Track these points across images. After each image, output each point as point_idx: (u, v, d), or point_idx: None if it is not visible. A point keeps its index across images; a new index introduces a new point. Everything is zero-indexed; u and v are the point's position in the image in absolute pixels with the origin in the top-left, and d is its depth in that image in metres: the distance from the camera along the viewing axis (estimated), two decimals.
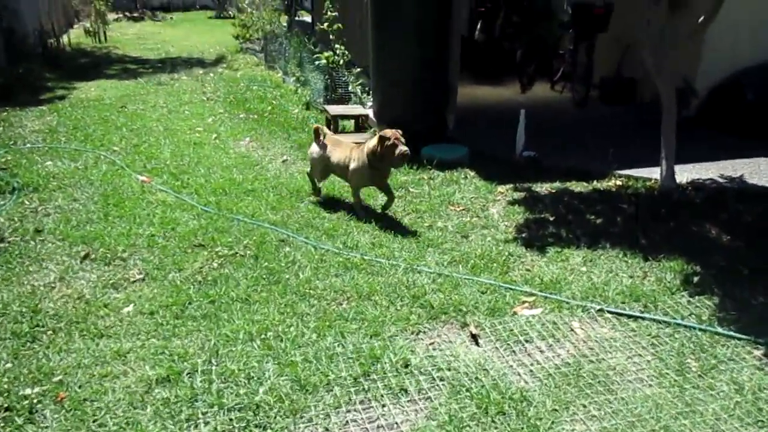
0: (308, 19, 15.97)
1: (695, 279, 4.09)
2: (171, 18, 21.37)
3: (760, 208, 5.29)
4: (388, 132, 4.87)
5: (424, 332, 3.53)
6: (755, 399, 3.00)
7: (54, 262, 4.38)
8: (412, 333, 3.52)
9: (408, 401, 2.99)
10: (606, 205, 5.40)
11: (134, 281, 4.12)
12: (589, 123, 8.10)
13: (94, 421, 2.84)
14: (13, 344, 3.40)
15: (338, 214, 5.18)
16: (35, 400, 2.96)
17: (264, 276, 4.12)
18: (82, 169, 6.27)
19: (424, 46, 6.69)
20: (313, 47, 10.37)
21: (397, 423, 2.85)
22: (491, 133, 7.42)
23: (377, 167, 4.97)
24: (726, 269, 4.25)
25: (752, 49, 7.48)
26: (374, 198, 5.52)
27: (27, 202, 5.43)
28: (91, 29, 15.75)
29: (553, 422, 2.84)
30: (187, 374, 3.13)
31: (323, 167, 5.39)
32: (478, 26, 10.68)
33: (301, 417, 2.88)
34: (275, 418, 2.86)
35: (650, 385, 3.10)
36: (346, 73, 8.67)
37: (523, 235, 4.81)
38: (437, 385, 3.09)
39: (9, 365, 3.20)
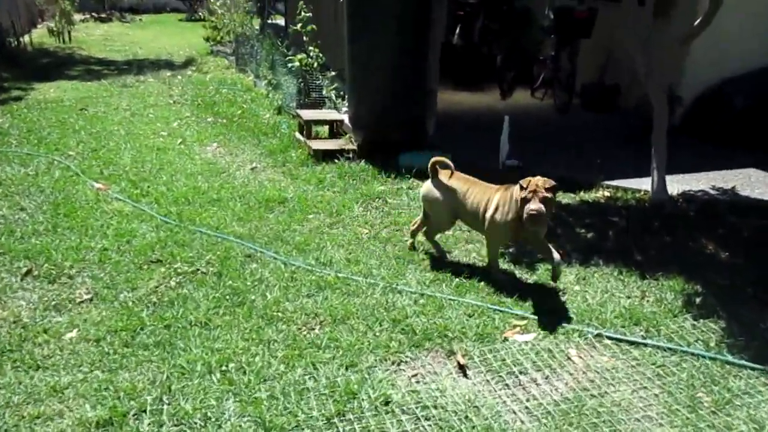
0: (281, 22, 15.58)
1: (697, 300, 3.78)
2: (140, 20, 20.77)
3: (755, 221, 5.03)
4: (528, 180, 3.72)
5: (406, 362, 3.16)
6: None
7: None
8: (393, 363, 3.14)
9: None
10: (596, 218, 5.09)
11: (81, 302, 3.67)
12: (573, 131, 7.84)
13: None
14: None
15: (311, 225, 4.79)
16: None
17: (227, 296, 3.70)
18: (33, 175, 5.78)
19: (402, 50, 6.33)
20: (286, 50, 9.97)
21: None
22: (472, 141, 7.10)
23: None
24: (728, 288, 3.95)
25: (738, 58, 7.29)
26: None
27: None
28: (55, 29, 15.12)
29: None
30: (133, 415, 2.70)
31: (451, 214, 4.22)
32: (457, 31, 10.38)
33: None
34: None
35: (661, 424, 2.76)
36: (320, 77, 8.28)
37: (510, 250, 4.47)
38: (422, 426, 2.71)
39: None
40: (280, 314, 3.53)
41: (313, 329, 3.41)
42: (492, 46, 10.43)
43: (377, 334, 3.36)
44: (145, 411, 2.73)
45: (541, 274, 4.12)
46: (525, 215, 3.63)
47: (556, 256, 3.86)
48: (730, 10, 5.51)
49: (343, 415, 2.75)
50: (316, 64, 8.20)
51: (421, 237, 4.50)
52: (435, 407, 2.82)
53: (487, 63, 10.09)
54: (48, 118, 7.85)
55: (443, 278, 4.01)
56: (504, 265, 4.21)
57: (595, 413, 2.81)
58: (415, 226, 4.43)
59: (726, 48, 7.14)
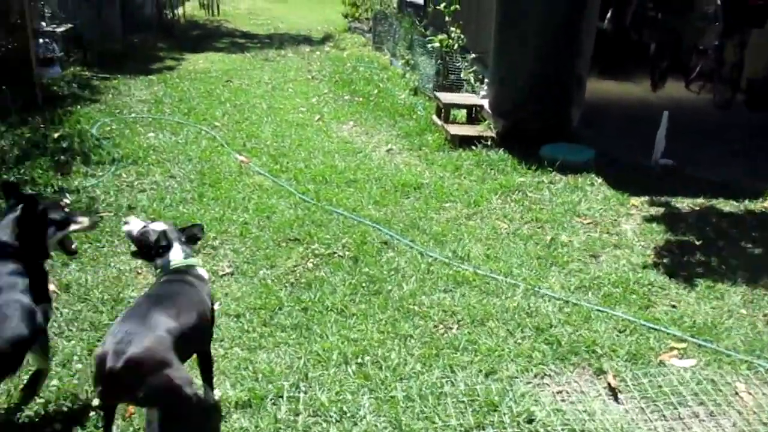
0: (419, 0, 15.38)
1: None
2: None
3: None
4: None
5: (550, 376, 2.94)
6: None
7: None
8: (536, 376, 2.93)
9: None
10: (764, 232, 4.55)
11: (223, 275, 3.75)
12: (735, 130, 7.08)
13: None
14: (89, 337, 3.10)
15: (448, 215, 4.64)
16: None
17: (363, 284, 3.64)
18: (182, 144, 6.03)
19: (552, 34, 5.98)
20: (423, 30, 9.81)
21: None
22: (618, 134, 6.62)
23: None
24: None
25: None
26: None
27: (125, 175, 5.23)
28: (205, 2, 15.87)
29: None
30: (270, 400, 2.69)
31: None
32: (608, 15, 9.71)
33: None
34: None
35: None
36: (459, 59, 8.05)
37: (665, 260, 4.07)
38: None
39: (80, 366, 2.88)
40: (416, 308, 3.41)
41: (450, 328, 3.26)
42: (644, 32, 9.67)
43: (519, 341, 3.16)
44: (281, 396, 2.72)
45: (701, 290, 3.71)
46: None
47: None
48: None
49: (483, 429, 2.59)
50: (456, 46, 7.96)
51: (564, 236, 4.22)
52: None
53: (638, 50, 9.38)
54: (197, 89, 8.21)
55: (589, 285, 3.72)
56: (659, 276, 3.84)
57: None
58: None
59: None
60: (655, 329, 3.29)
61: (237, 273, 3.77)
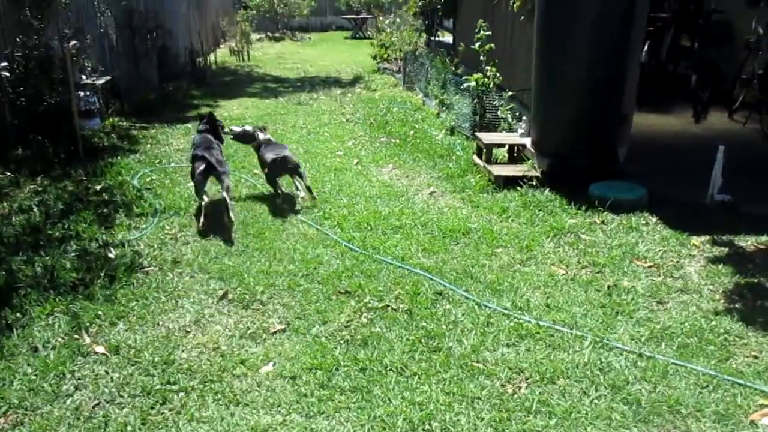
0: (447, 39, 15.45)
1: None
2: (309, 38, 21.70)
3: None
4: None
5: None
6: None
7: (190, 300, 4.00)
8: None
9: None
10: None
11: (274, 332, 3.62)
12: None
13: None
14: (142, 404, 2.98)
15: (500, 261, 4.47)
16: None
17: (421, 339, 3.47)
18: None
19: (596, 69, 5.84)
20: (455, 69, 9.77)
21: None
22: (666, 170, 6.38)
23: None
24: None
25: None
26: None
27: (167, 227, 5.18)
28: (235, 48, 16.18)
29: None
30: None
31: None
32: (645, 47, 9.59)
33: None
34: None
35: None
36: (495, 97, 7.95)
37: (737, 305, 3.84)
38: None
39: None
40: (480, 365, 3.23)
41: (519, 387, 3.07)
42: (679, 63, 9.50)
43: (595, 401, 2.95)
44: None
45: None
46: None
47: None
48: None
49: None
50: (492, 84, 7.88)
51: (626, 281, 4.02)
52: None
53: (677, 82, 9.21)
54: None
55: (661, 335, 3.51)
56: (734, 323, 3.61)
57: None
58: None
59: None
60: (740, 384, 3.06)
61: (289, 330, 3.64)
